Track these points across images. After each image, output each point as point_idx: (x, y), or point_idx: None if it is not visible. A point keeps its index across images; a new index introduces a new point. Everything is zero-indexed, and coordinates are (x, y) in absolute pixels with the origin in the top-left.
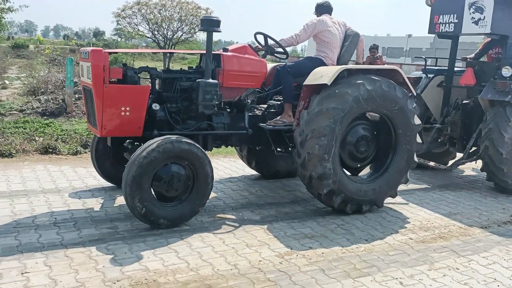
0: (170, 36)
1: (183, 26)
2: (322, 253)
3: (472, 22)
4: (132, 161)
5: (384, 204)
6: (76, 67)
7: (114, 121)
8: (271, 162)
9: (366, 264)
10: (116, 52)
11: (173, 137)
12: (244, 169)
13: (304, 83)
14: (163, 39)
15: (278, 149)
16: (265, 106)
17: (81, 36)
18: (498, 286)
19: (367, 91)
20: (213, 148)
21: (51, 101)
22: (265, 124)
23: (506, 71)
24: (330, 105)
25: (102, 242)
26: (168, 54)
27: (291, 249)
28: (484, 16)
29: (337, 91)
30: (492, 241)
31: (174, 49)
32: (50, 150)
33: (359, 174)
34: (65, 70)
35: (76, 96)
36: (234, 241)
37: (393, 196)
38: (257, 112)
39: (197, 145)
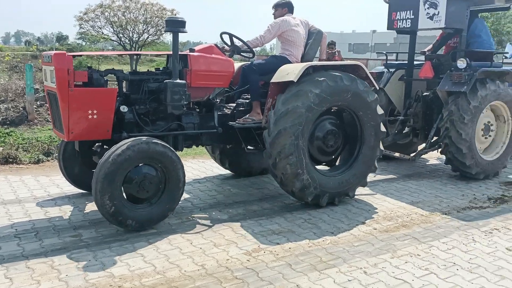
0: (136, 39)
1: (149, 28)
2: (289, 248)
3: (427, 18)
4: (105, 158)
5: (347, 198)
6: (37, 73)
7: (81, 124)
8: (244, 161)
9: (332, 256)
10: (79, 55)
11: (148, 138)
12: (213, 170)
13: (271, 80)
14: (129, 42)
15: (249, 147)
16: (234, 104)
17: (43, 41)
18: (457, 269)
19: (330, 87)
20: (184, 148)
21: (12, 109)
22: (234, 123)
23: (461, 63)
24: (295, 104)
25: (65, 251)
26: (135, 57)
27: (259, 246)
28: (438, 11)
29: (300, 90)
30: (452, 226)
31: (141, 51)
32: (11, 160)
33: (330, 167)
34: (25, 77)
35: (38, 103)
36: (201, 241)
37: (364, 185)
38: (226, 111)
39: (171, 148)
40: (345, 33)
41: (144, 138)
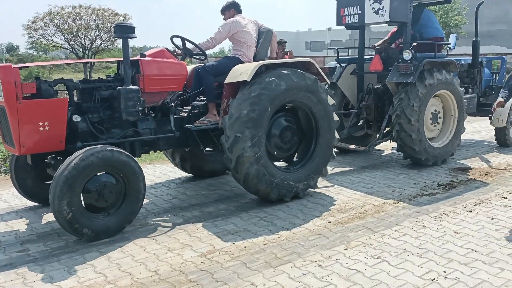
0: (89, 46)
1: (101, 34)
2: (245, 247)
3: (373, 12)
4: (67, 162)
5: (307, 191)
6: None
7: (32, 137)
8: (205, 163)
9: (287, 252)
10: (26, 67)
11: (109, 146)
12: (169, 174)
13: (225, 81)
14: (81, 49)
15: (207, 148)
16: (189, 107)
17: None
18: (408, 255)
19: (281, 85)
20: (141, 154)
21: None
22: (191, 125)
23: (407, 55)
24: (248, 108)
25: (11, 267)
26: (88, 64)
27: (214, 247)
28: (383, 6)
29: (252, 94)
30: (404, 214)
31: (94, 58)
32: None
33: (288, 163)
34: None
35: None
36: (155, 247)
37: (325, 175)
38: (182, 114)
39: (135, 159)
40: (301, 31)
41: (109, 147)
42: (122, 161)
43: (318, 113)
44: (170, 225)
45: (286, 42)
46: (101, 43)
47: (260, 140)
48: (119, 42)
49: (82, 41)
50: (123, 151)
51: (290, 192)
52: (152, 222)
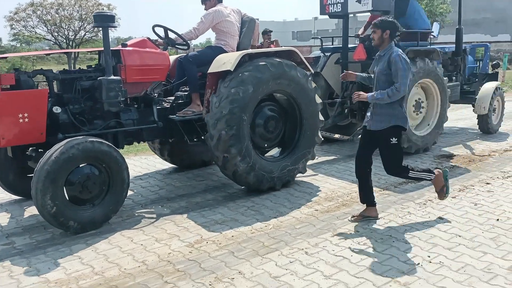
0: (73, 37)
1: (85, 25)
2: (232, 236)
3: (356, 1)
4: (47, 156)
5: (295, 179)
6: None
7: (12, 130)
8: (191, 154)
9: (274, 241)
10: (5, 57)
11: (91, 137)
12: (155, 165)
13: (208, 71)
14: (65, 40)
15: (191, 139)
16: (173, 98)
17: None
18: (393, 241)
19: (266, 73)
20: (125, 145)
21: None
22: (175, 116)
23: None
24: (236, 88)
25: None
26: (72, 56)
27: (201, 237)
28: None
29: (240, 74)
30: (389, 201)
31: (78, 49)
32: None
33: (271, 152)
34: None
35: None
36: (142, 238)
37: (312, 158)
38: (165, 104)
39: (116, 149)
40: (288, 21)
41: (90, 137)
42: (104, 152)
43: (300, 99)
44: (157, 216)
45: (272, 31)
46: (85, 34)
47: (244, 134)
48: None
49: (66, 32)
50: (104, 141)
51: (280, 180)
52: (139, 214)
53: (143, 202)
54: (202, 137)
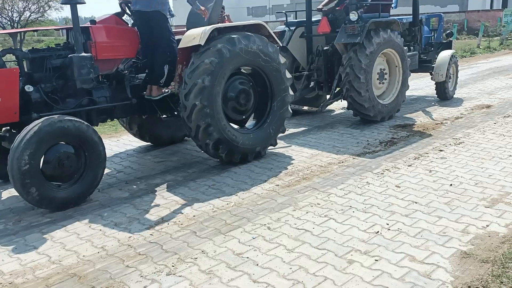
0: (17, 18)
1: (30, 5)
2: (194, 216)
3: None
4: (21, 137)
5: (259, 155)
6: None
7: None
8: (164, 130)
9: (236, 218)
10: None
11: (60, 116)
12: (112, 148)
13: (179, 46)
14: (9, 22)
15: (164, 115)
16: (144, 75)
17: None
18: (353, 212)
19: (236, 47)
20: (99, 123)
21: None
22: (150, 96)
23: (353, 16)
24: (208, 59)
25: None
26: (18, 38)
27: (162, 219)
28: None
29: (211, 47)
30: (348, 173)
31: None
32: None
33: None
34: None
35: None
36: (101, 223)
37: (283, 132)
38: (137, 81)
39: (88, 124)
40: None
41: (56, 116)
42: (76, 128)
43: (270, 73)
44: (116, 200)
45: (224, 6)
46: (30, 15)
47: (217, 106)
48: (49, 14)
49: (10, 14)
50: (77, 119)
51: (252, 152)
52: (96, 198)
53: (100, 186)
54: (175, 113)
